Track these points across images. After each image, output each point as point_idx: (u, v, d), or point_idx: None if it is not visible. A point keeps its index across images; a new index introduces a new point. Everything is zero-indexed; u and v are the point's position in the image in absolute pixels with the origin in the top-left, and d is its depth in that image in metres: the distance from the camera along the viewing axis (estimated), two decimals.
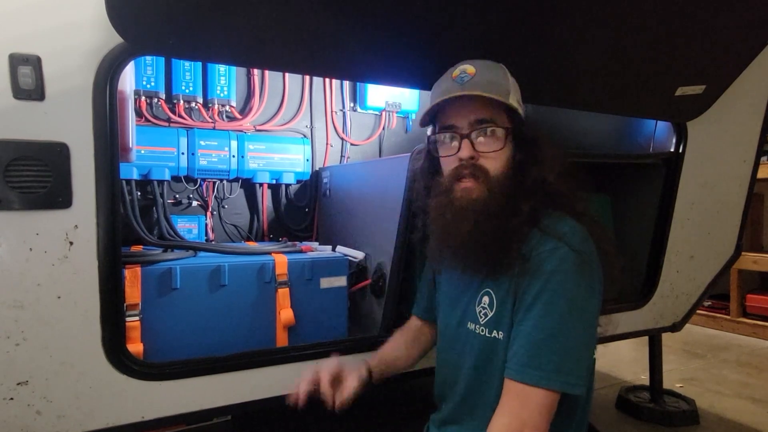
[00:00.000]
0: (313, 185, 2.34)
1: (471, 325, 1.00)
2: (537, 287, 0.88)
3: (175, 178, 2.07)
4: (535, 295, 0.88)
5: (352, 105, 2.50)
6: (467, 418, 1.01)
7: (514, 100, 0.99)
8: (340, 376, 1.05)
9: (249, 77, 2.25)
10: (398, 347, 1.23)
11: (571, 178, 0.98)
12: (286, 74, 2.28)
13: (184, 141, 2.04)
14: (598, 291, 0.91)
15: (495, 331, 0.96)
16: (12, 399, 1.04)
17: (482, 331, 0.98)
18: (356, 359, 1.20)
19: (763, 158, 2.21)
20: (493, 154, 0.97)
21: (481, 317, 0.98)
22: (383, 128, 2.54)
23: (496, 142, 0.97)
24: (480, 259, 0.96)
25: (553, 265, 0.88)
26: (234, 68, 2.16)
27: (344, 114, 2.47)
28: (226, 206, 2.21)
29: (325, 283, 1.53)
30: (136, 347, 1.25)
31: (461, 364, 1.03)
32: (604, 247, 0.94)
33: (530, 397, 0.85)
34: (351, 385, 1.03)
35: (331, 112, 2.42)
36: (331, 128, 2.42)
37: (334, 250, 1.79)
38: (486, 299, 0.98)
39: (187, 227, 2.09)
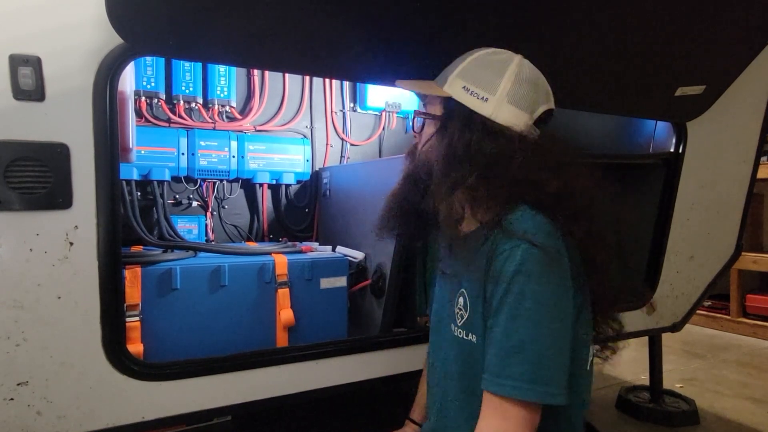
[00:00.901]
0: (313, 185, 2.34)
1: (452, 327, 0.96)
2: (501, 290, 0.83)
3: (175, 179, 2.07)
4: (500, 298, 0.83)
5: (352, 105, 2.50)
6: (453, 424, 0.97)
7: (456, 87, 0.95)
8: None
9: (249, 77, 2.25)
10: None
11: (554, 172, 0.90)
12: (286, 74, 2.28)
13: (184, 141, 2.04)
14: (569, 289, 0.85)
15: (470, 334, 0.91)
16: (12, 399, 1.04)
17: (460, 333, 0.94)
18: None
19: (763, 158, 2.21)
20: (417, 137, 1.04)
21: (458, 319, 0.94)
22: (383, 128, 2.54)
23: (416, 126, 1.04)
24: (391, 222, 1.07)
25: (515, 265, 0.82)
26: (234, 68, 2.16)
27: (344, 114, 2.47)
28: (226, 206, 2.21)
29: (325, 283, 1.53)
30: (136, 347, 1.25)
31: (447, 368, 0.99)
32: (596, 245, 0.89)
33: (509, 410, 0.80)
34: None
35: (331, 112, 2.42)
36: (331, 128, 2.42)
37: (334, 250, 1.79)
38: (461, 300, 0.94)
39: (187, 227, 2.09)
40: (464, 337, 0.93)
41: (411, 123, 1.05)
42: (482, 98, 0.93)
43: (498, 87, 0.93)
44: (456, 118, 0.94)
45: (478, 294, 0.89)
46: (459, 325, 0.94)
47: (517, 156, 0.89)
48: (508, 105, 0.93)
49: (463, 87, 0.95)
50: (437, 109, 0.99)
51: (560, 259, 0.84)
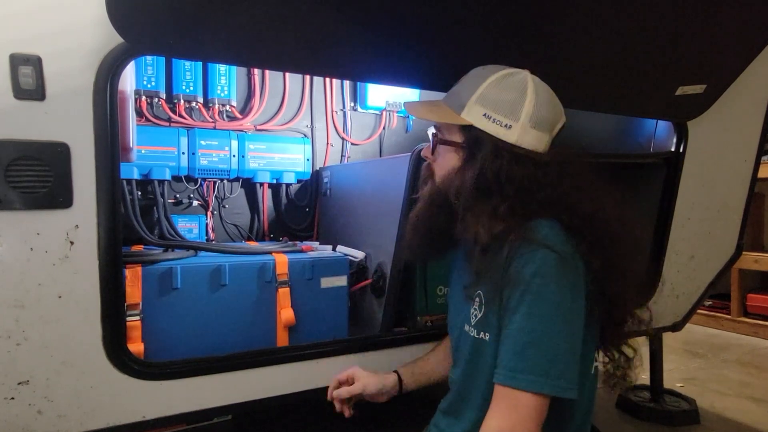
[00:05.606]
0: (313, 185, 2.34)
1: (466, 327, 1.02)
2: (519, 291, 0.87)
3: (176, 178, 2.07)
4: (518, 299, 0.87)
5: (352, 105, 2.49)
6: (461, 413, 1.03)
7: (476, 114, 0.95)
8: (350, 381, 1.18)
9: (249, 77, 2.25)
10: (437, 354, 1.27)
11: (575, 185, 0.94)
12: (287, 74, 2.28)
13: (184, 141, 2.04)
14: (582, 291, 0.89)
15: (482, 332, 0.96)
16: (13, 399, 1.04)
17: (472, 331, 0.99)
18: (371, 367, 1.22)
19: (764, 158, 2.21)
20: (429, 159, 1.05)
21: (472, 318, 0.99)
22: (384, 128, 2.54)
23: (431, 150, 1.05)
24: (418, 246, 1.08)
25: (534, 268, 0.86)
26: (234, 68, 2.16)
27: (344, 114, 2.47)
28: (226, 206, 2.21)
29: (326, 282, 1.53)
30: (136, 347, 1.25)
31: (460, 363, 1.05)
32: (611, 276, 0.92)
33: (519, 401, 0.84)
34: (348, 389, 1.17)
35: (332, 111, 2.42)
36: (332, 128, 2.42)
37: (334, 249, 1.79)
38: (477, 301, 0.98)
39: (187, 227, 2.09)
40: (476, 335, 0.98)
41: (431, 147, 1.06)
42: (506, 125, 0.94)
43: (520, 114, 0.94)
44: (482, 147, 0.94)
45: (494, 295, 0.93)
46: (472, 324, 0.99)
47: (546, 180, 0.93)
48: (532, 129, 0.95)
49: (484, 114, 0.95)
50: (456, 136, 0.99)
51: (575, 264, 0.89)
